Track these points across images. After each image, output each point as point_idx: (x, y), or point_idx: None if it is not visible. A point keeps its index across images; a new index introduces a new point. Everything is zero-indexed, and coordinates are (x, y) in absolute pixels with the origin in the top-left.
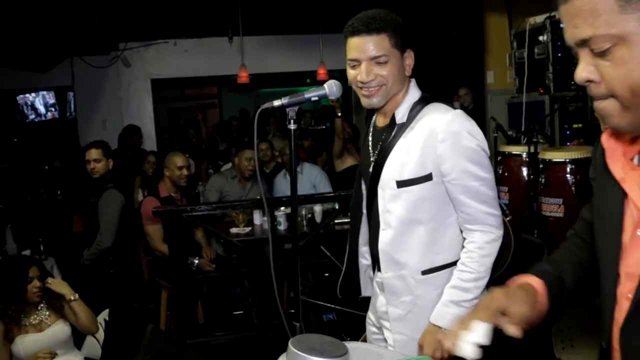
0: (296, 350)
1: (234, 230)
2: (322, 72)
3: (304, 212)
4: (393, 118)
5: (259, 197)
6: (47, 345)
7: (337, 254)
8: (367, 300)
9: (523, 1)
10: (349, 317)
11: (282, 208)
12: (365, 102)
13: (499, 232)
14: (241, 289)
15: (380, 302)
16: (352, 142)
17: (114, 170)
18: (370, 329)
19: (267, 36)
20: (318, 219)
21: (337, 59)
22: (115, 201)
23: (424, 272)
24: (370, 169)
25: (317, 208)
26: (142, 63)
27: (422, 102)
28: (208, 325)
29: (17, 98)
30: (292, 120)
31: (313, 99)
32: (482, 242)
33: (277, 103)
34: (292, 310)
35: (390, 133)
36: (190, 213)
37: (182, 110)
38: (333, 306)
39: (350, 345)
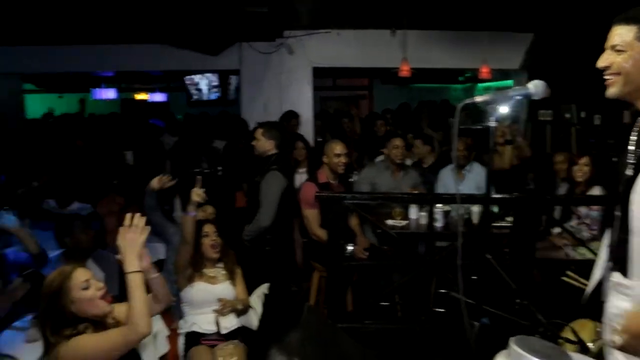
0: (521, 351)
1: (390, 222)
2: (485, 71)
3: (461, 212)
4: None
5: (416, 192)
6: (214, 297)
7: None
8: (524, 307)
9: None
10: (504, 323)
11: (440, 205)
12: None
13: None
14: (386, 280)
15: (610, 303)
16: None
17: (279, 152)
18: None
19: (430, 31)
20: (475, 220)
21: (502, 58)
22: (277, 183)
23: None
24: (628, 172)
25: (475, 209)
26: (304, 51)
27: None
28: (357, 312)
29: (185, 79)
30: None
31: (517, 97)
32: None
33: (480, 99)
34: (441, 309)
35: None
36: (351, 201)
37: (332, 99)
38: (488, 309)
39: (574, 355)
